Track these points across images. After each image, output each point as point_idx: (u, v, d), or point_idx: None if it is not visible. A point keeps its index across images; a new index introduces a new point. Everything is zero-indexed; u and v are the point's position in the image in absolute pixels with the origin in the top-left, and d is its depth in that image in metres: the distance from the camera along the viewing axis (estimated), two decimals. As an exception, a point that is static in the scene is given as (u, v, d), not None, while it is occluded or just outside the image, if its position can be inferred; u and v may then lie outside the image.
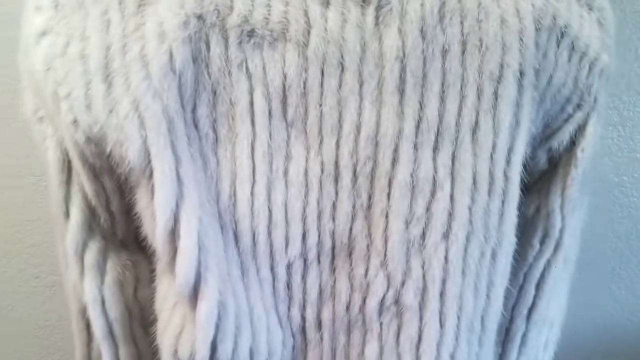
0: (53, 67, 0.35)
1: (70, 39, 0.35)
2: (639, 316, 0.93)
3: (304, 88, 0.37)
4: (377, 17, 0.36)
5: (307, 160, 0.39)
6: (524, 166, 0.43)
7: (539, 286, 0.48)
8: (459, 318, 0.43)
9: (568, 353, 0.94)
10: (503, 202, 0.41)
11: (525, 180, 0.45)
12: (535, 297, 0.48)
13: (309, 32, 0.36)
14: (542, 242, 0.46)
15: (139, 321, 0.46)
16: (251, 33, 0.35)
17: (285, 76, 0.36)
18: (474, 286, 0.42)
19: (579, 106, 0.42)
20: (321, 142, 0.39)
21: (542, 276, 0.48)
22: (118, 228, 0.43)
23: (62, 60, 0.35)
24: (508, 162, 0.40)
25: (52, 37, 0.36)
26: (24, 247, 0.85)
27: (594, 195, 0.83)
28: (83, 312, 0.46)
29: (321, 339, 0.44)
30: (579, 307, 0.89)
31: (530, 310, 0.49)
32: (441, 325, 0.42)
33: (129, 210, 0.41)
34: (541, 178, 0.46)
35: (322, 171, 0.39)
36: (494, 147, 0.39)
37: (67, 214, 0.41)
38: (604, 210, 0.86)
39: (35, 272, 0.87)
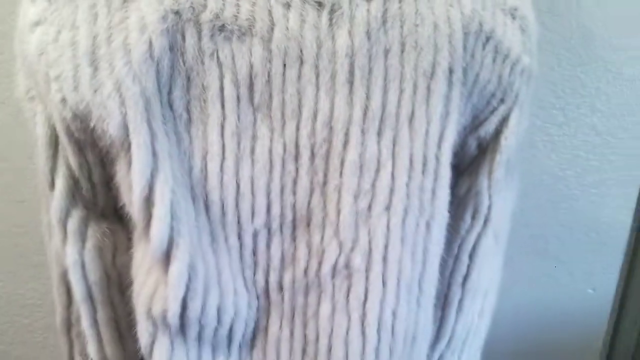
0: (46, 52, 0.39)
1: (62, 28, 0.39)
2: (578, 299, 1.00)
3: (268, 77, 0.41)
4: (330, 20, 0.41)
5: (271, 141, 0.43)
6: (457, 152, 0.48)
7: (471, 257, 0.53)
8: (398, 280, 0.47)
9: (515, 330, 1.01)
10: (435, 180, 0.46)
11: (459, 165, 0.50)
12: (469, 266, 0.53)
13: (272, 29, 0.40)
14: (473, 217, 0.51)
15: (117, 286, 0.50)
16: (222, 28, 0.40)
17: (251, 66, 0.40)
18: (412, 252, 0.47)
19: (502, 101, 0.47)
20: (283, 125, 0.43)
21: (474, 248, 0.52)
22: (99, 198, 0.47)
23: (54, 46, 0.39)
24: (439, 146, 0.45)
25: (45, 26, 0.40)
26: (9, 227, 0.87)
27: (541, 187, 0.90)
28: (64, 276, 0.49)
29: (282, 300, 0.48)
30: (524, 287, 0.97)
31: (465, 279, 0.54)
32: (384, 285, 0.47)
33: (108, 182, 0.45)
34: (472, 163, 0.51)
35: (284, 151, 0.44)
36: (427, 133, 0.44)
37: (52, 185, 0.45)
38: (549, 201, 0.92)
39: (20, 252, 0.89)
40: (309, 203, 0.45)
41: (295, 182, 0.45)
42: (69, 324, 0.51)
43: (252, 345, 0.49)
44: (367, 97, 0.43)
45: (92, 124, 0.40)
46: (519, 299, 0.99)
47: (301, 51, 0.41)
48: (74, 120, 0.41)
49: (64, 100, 0.40)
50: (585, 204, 0.93)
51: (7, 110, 0.80)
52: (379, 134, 0.44)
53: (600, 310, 1.02)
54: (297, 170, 0.44)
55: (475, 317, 0.57)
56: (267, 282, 0.47)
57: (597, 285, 0.99)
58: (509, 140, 0.48)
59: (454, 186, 0.50)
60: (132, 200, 0.41)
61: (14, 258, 0.90)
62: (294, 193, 0.45)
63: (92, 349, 0.50)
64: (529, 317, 1.01)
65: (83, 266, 0.47)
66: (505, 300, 0.96)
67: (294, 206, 0.45)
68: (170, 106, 0.41)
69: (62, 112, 0.41)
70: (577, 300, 1.00)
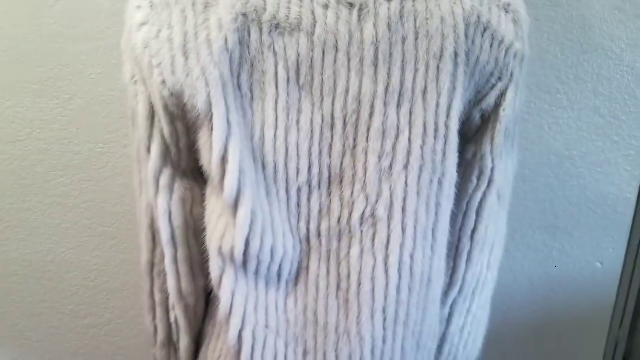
0: (149, 45, 0.50)
1: (161, 27, 0.50)
2: (587, 272, 1.06)
3: (311, 63, 0.51)
4: (359, 16, 0.51)
5: (312, 113, 0.52)
6: (464, 122, 0.57)
7: (478, 212, 0.60)
8: (415, 227, 0.55)
9: (528, 300, 1.07)
10: (445, 144, 0.53)
11: (466, 134, 0.59)
12: (476, 221, 0.60)
13: (315, 25, 0.50)
14: (479, 178, 0.59)
15: (193, 231, 0.58)
16: (277, 25, 0.50)
17: (299, 54, 0.50)
18: (426, 204, 0.55)
19: (500, 79, 0.55)
20: (322, 100, 0.52)
21: (480, 205, 0.60)
22: (183, 160, 0.56)
23: (155, 41, 0.50)
24: (448, 115, 0.53)
25: (149, 26, 0.50)
26: (79, 203, 0.99)
27: (549, 166, 0.97)
28: (151, 226, 0.59)
29: (320, 244, 0.56)
30: (536, 261, 1.04)
31: (473, 232, 0.61)
32: (403, 232, 0.54)
33: (191, 147, 0.54)
34: (477, 132, 0.59)
35: (323, 121, 0.52)
36: (437, 105, 0.52)
37: (149, 150, 0.55)
38: (557, 179, 0.98)
39: (87, 224, 1.00)
40: (341, 163, 0.54)
41: (330, 146, 0.54)
42: (152, 265, 0.61)
43: (296, 281, 0.57)
44: (389, 76, 0.51)
45: (184, 100, 0.50)
46: (532, 271, 1.06)
47: (336, 41, 0.51)
48: (170, 98, 0.51)
49: (164, 82, 0.50)
50: (592, 182, 0.99)
51: (78, 102, 0.92)
52: (398, 105, 0.52)
53: (608, 283, 1.07)
54: (332, 136, 0.53)
55: (484, 269, 0.64)
56: (308, 229, 0.56)
57: (605, 259, 1.05)
58: (507, 112, 0.56)
59: (462, 152, 0.58)
60: (211, 160, 0.51)
61: (82, 230, 1.01)
62: (330, 155, 0.54)
63: (171, 284, 0.59)
64: (541, 288, 1.07)
65: (170, 213, 0.56)
66: (519, 273, 1.05)
67: (329, 166, 0.54)
68: (239, 87, 0.51)
69: (162, 92, 0.51)
70: (586, 273, 1.06)
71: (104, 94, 0.92)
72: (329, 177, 0.55)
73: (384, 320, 0.57)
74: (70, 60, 0.89)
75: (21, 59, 0.90)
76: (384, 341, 0.57)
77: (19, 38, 0.89)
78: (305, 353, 0.58)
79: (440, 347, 0.66)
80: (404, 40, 0.51)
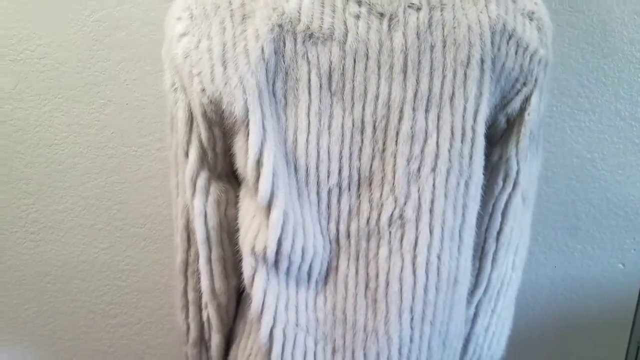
0: (189, 55, 0.52)
1: (201, 38, 0.52)
2: (609, 273, 1.05)
3: (343, 70, 0.52)
4: (389, 25, 0.53)
5: (343, 118, 0.54)
6: (490, 126, 0.58)
7: (503, 214, 0.61)
8: (442, 228, 0.56)
9: (550, 301, 1.07)
10: (471, 147, 0.55)
11: (492, 138, 0.60)
12: (502, 223, 0.62)
13: (346, 35, 0.52)
14: (504, 180, 0.60)
15: (226, 232, 0.60)
16: (311, 35, 0.52)
17: (331, 62, 0.52)
18: (453, 206, 0.56)
19: (524, 84, 0.56)
20: (353, 106, 0.54)
21: (506, 206, 0.61)
22: (218, 164, 0.58)
23: (195, 51, 0.52)
24: (475, 120, 0.54)
25: (189, 37, 0.52)
26: (112, 205, 1.02)
27: (571, 169, 0.98)
28: (187, 226, 0.61)
29: (349, 245, 0.57)
30: (558, 262, 1.04)
31: (499, 233, 0.62)
32: (430, 233, 0.56)
33: (226, 152, 0.57)
34: (502, 135, 0.60)
35: (353, 125, 0.54)
36: (464, 109, 0.54)
37: (187, 154, 0.57)
38: (579, 181, 0.99)
39: (120, 225, 1.03)
40: (371, 166, 0.55)
41: (360, 150, 0.55)
42: (187, 265, 0.63)
43: (325, 281, 0.59)
44: (417, 82, 0.53)
45: (222, 107, 0.52)
46: (554, 272, 1.06)
47: (367, 50, 0.53)
48: (209, 105, 0.53)
49: (203, 90, 0.52)
50: (613, 184, 0.99)
51: (113, 107, 0.95)
52: (427, 110, 0.54)
53: (629, 284, 1.06)
54: (362, 140, 0.55)
55: (509, 269, 0.65)
56: (337, 230, 0.57)
57: (627, 260, 1.05)
58: (531, 116, 0.58)
59: (488, 155, 0.59)
60: (246, 163, 0.53)
61: (114, 231, 1.04)
62: (360, 159, 0.55)
63: (204, 283, 0.61)
64: (563, 289, 1.07)
65: (205, 215, 0.58)
66: (541, 274, 1.05)
67: (359, 169, 0.55)
68: (274, 94, 0.53)
69: (201, 99, 0.53)
70: (608, 274, 1.06)
71: (138, 100, 0.95)
72: (359, 179, 0.56)
73: (411, 319, 0.58)
74: (105, 67, 0.93)
75: (58, 66, 0.94)
76: (411, 340, 0.59)
77: (56, 45, 0.92)
78: (334, 351, 0.59)
79: (465, 347, 0.67)
80: (432, 48, 0.53)
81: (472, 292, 0.65)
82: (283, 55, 0.52)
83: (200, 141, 0.57)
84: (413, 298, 0.57)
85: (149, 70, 0.92)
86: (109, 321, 1.11)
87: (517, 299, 0.70)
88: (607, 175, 0.99)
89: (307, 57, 0.52)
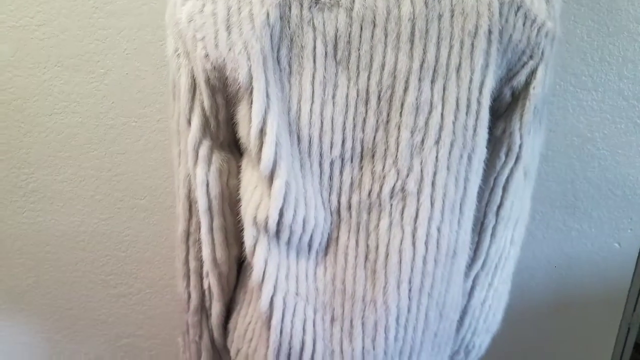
0: (193, 19, 0.51)
1: (205, 1, 0.51)
2: (603, 254, 1.06)
3: (349, 38, 0.52)
4: None
5: (348, 88, 0.53)
6: (495, 99, 0.57)
7: (504, 188, 0.61)
8: (443, 201, 0.56)
9: (548, 279, 1.09)
10: (476, 120, 0.54)
11: (497, 111, 0.60)
12: (502, 197, 0.61)
13: (354, 1, 0.51)
14: (507, 154, 0.60)
15: (228, 201, 0.60)
16: (317, 1, 0.51)
17: (337, 29, 0.51)
18: (455, 179, 0.56)
19: (531, 57, 0.55)
20: (358, 75, 0.53)
21: (507, 181, 0.61)
22: (221, 132, 0.57)
23: (199, 15, 0.51)
24: (480, 92, 0.54)
25: (193, 1, 0.51)
26: (112, 176, 1.01)
27: (571, 148, 0.98)
28: (188, 195, 0.61)
29: (350, 216, 0.57)
30: (555, 240, 1.06)
31: (499, 207, 0.62)
32: (431, 205, 0.56)
33: (229, 120, 0.56)
34: (506, 109, 0.59)
35: (357, 95, 0.53)
36: (470, 81, 0.53)
37: (189, 122, 0.56)
38: (579, 160, 0.99)
39: (120, 196, 1.03)
40: (374, 138, 0.55)
41: (364, 121, 0.55)
42: (188, 234, 0.63)
43: (326, 252, 0.59)
44: (424, 52, 0.52)
45: (226, 74, 0.52)
46: (551, 251, 1.07)
47: (374, 17, 0.52)
48: (212, 71, 0.52)
49: (207, 56, 0.52)
50: (612, 164, 0.99)
51: (113, 77, 0.94)
52: (432, 81, 0.53)
53: (625, 264, 1.08)
54: (366, 111, 0.54)
55: (508, 244, 0.65)
56: (339, 202, 0.57)
57: (623, 240, 1.06)
58: (536, 90, 0.57)
59: (492, 128, 0.59)
60: (249, 132, 0.52)
61: (114, 202, 1.04)
62: (363, 130, 0.55)
63: (205, 252, 0.61)
64: (559, 267, 1.08)
65: (207, 184, 0.58)
66: (538, 252, 1.06)
67: (362, 140, 0.55)
68: (278, 61, 0.52)
69: (205, 65, 0.52)
70: (604, 253, 1.07)
71: (138, 69, 0.94)
72: (362, 151, 0.56)
73: (409, 290, 0.58)
74: (106, 36, 0.91)
75: (57, 33, 0.92)
76: (409, 310, 0.59)
77: (55, 12, 0.91)
78: (332, 320, 0.60)
79: (461, 319, 0.67)
80: (440, 17, 0.52)
81: (470, 265, 0.65)
82: (288, 21, 0.51)
83: (203, 109, 0.56)
84: (412, 269, 0.58)
85: (149, 39, 0.91)
86: (109, 291, 1.12)
87: (514, 275, 0.70)
88: (607, 155, 0.99)
89: (313, 24, 0.52)
